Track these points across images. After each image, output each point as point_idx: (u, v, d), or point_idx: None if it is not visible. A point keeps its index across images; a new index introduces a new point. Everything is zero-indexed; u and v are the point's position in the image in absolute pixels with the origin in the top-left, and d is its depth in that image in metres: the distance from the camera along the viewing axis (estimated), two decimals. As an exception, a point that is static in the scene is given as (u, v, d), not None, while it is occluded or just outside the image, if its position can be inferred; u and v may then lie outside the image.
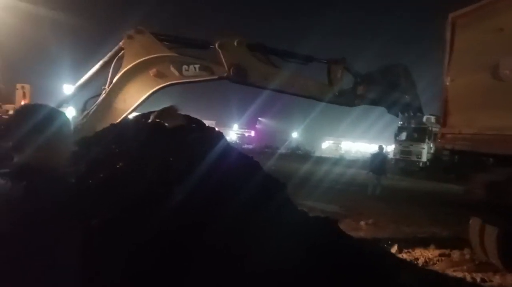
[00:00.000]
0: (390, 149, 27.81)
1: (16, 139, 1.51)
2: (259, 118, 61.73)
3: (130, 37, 5.11)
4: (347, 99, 6.01)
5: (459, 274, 5.62)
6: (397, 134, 26.36)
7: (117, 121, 5.21)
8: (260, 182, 4.60)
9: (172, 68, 5.21)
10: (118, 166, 3.66)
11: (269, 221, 3.85)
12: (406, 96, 6.18)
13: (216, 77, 5.38)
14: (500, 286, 5.28)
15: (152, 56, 5.17)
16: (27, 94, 7.11)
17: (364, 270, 4.48)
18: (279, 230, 3.88)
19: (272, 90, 5.79)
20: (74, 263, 1.51)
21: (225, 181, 3.87)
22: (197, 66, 5.22)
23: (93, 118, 5.00)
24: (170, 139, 4.15)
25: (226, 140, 5.23)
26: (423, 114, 6.75)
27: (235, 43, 5.39)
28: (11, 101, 7.01)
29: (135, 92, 5.19)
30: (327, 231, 4.75)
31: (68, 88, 5.76)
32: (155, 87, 5.27)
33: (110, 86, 5.15)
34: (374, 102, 6.21)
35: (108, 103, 5.15)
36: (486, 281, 5.39)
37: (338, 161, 34.64)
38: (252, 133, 60.88)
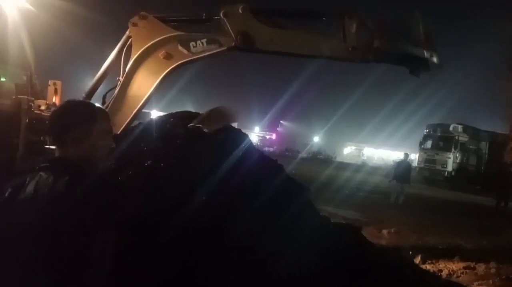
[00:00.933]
0: (413, 156, 27.34)
1: (58, 134, 1.55)
2: (281, 121, 61.75)
3: (134, 24, 5.16)
4: (363, 54, 5.51)
5: (485, 288, 5.49)
6: (422, 143, 25.90)
7: (136, 109, 5.31)
8: (284, 184, 4.60)
9: (180, 47, 5.20)
10: (146, 164, 3.72)
11: (291, 224, 3.84)
12: (424, 51, 5.56)
13: (225, 48, 5.32)
14: (528, 303, 5.12)
15: (158, 38, 5.21)
16: (59, 91, 7.31)
17: (386, 279, 4.42)
18: (300, 234, 3.87)
19: (281, 54, 5.55)
20: (107, 260, 1.53)
21: (249, 183, 3.89)
22: (204, 40, 5.19)
23: (112, 109, 5.09)
24: (197, 139, 4.20)
25: (250, 141, 5.25)
26: (440, 70, 5.90)
27: (240, 10, 5.33)
28: (43, 97, 7.23)
29: (148, 78, 5.25)
30: (349, 238, 4.70)
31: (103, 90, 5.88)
32: (167, 69, 5.30)
33: (125, 75, 5.22)
34: (393, 58, 5.78)
35: (124, 93, 5.23)
36: (513, 297, 5.24)
37: (360, 167, 34.23)
38: (274, 136, 60.87)
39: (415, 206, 13.01)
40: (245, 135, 5.18)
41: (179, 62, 5.33)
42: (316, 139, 62.85)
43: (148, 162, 3.71)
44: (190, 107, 7.29)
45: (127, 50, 5.31)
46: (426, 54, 5.61)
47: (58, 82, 7.49)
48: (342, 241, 4.50)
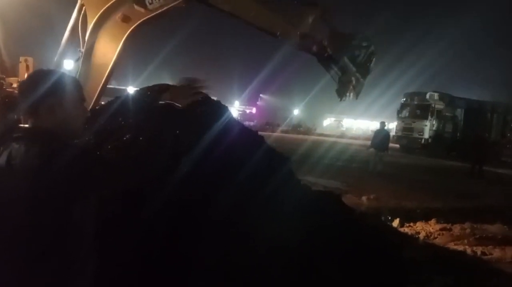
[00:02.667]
0: (392, 126, 27.76)
1: (30, 103, 1.51)
2: (261, 95, 61.48)
3: None
4: (308, 45, 5.63)
5: (460, 248, 5.73)
6: (399, 111, 26.28)
7: (104, 78, 5.19)
8: (265, 155, 4.63)
9: (136, 7, 5.07)
10: (125, 138, 3.67)
11: (274, 194, 3.89)
12: (353, 77, 5.80)
13: (178, 2, 5.20)
14: (500, 259, 5.38)
15: (112, 1, 5.08)
16: (31, 67, 7.03)
17: (366, 243, 4.56)
18: (283, 203, 3.94)
19: (234, 17, 5.44)
20: (87, 231, 1.52)
21: (231, 154, 3.90)
22: None
23: (83, 81, 4.99)
24: (177, 112, 4.15)
25: (231, 114, 5.23)
26: (356, 99, 6.22)
27: None
28: (14, 74, 6.96)
29: (110, 44, 5.12)
30: (330, 205, 4.81)
31: (68, 63, 5.73)
32: (127, 31, 5.19)
33: (85, 44, 5.09)
34: (328, 62, 5.86)
35: (88, 63, 5.11)
36: (486, 254, 5.49)
37: (339, 138, 34.66)
38: (254, 110, 60.71)
39: (393, 173, 13.34)
40: (225, 108, 5.15)
41: (138, 22, 5.20)
42: (296, 112, 62.97)
43: (127, 136, 3.66)
44: (168, 81, 7.17)
45: (83, 18, 5.14)
46: (353, 80, 5.75)
47: (30, 59, 7.20)
48: (323, 209, 4.60)
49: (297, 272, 3.35)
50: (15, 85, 6.42)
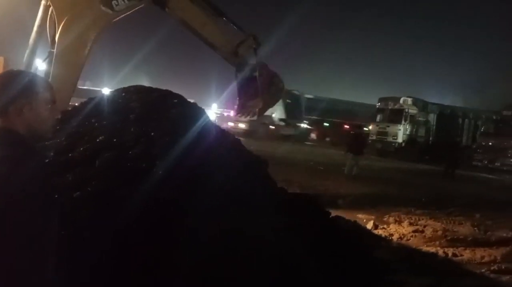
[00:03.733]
0: (367, 130, 28.19)
1: (2, 101, 1.47)
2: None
3: None
4: (238, 63, 6.17)
5: (432, 249, 5.85)
6: (374, 115, 26.75)
7: (76, 78, 5.26)
8: (242, 158, 4.63)
9: (103, 8, 5.25)
10: (98, 140, 3.60)
11: (250, 197, 3.89)
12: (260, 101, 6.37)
13: (142, 4, 5.50)
14: (470, 260, 5.53)
15: (80, 4, 5.21)
16: (1, 67, 6.86)
17: (341, 244, 4.61)
18: (260, 205, 3.93)
19: (184, 25, 5.86)
20: (55, 237, 1.48)
21: (207, 156, 3.88)
22: None
23: (54, 81, 4.95)
24: (153, 114, 4.11)
25: (207, 116, 5.20)
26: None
27: None
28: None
29: (80, 44, 5.21)
30: (306, 207, 4.84)
31: (38, 63, 5.66)
32: (96, 32, 5.33)
33: (56, 45, 5.11)
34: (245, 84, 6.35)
35: (60, 63, 5.14)
36: (457, 256, 5.63)
37: (316, 141, 34.94)
38: (232, 113, 60.48)
39: (368, 176, 13.53)
40: (201, 110, 5.12)
41: (106, 23, 5.40)
42: (275, 115, 63.10)
43: (101, 137, 3.59)
44: (144, 82, 7.12)
45: (51, 18, 5.19)
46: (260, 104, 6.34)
47: (1, 58, 7.02)
48: (299, 210, 4.63)
49: (272, 273, 3.34)
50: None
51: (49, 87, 1.62)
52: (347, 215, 6.73)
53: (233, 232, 3.41)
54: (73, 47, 5.13)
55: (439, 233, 6.65)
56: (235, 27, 6.19)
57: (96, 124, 3.79)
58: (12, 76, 1.55)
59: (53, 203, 1.48)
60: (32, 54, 5.33)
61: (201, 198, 3.39)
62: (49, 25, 5.20)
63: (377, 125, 26.33)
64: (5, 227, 1.31)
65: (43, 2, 5.20)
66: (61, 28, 5.02)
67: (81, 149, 3.36)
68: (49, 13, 5.15)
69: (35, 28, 5.28)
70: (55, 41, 5.09)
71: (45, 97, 1.55)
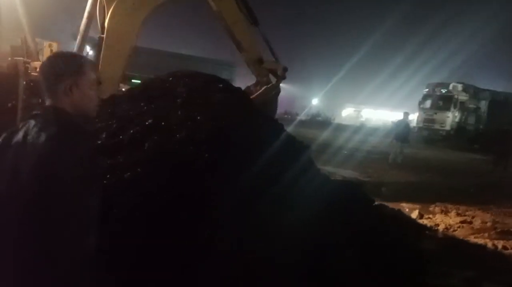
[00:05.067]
0: (413, 117, 27.31)
1: (49, 83, 1.57)
2: (280, 84, 61.01)
3: None
4: (258, 75, 6.31)
5: (480, 241, 5.63)
6: (421, 102, 25.80)
7: (126, 59, 5.40)
8: (285, 143, 4.63)
9: None
10: (147, 123, 3.71)
11: (294, 182, 3.89)
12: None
13: None
14: (522, 254, 5.27)
15: None
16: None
17: (385, 233, 4.54)
18: (303, 191, 3.93)
19: (217, 14, 6.00)
20: (96, 215, 1.51)
21: (251, 141, 3.91)
22: None
23: (104, 66, 5.13)
24: (198, 98, 4.17)
25: (251, 101, 5.23)
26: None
27: None
28: (39, 59, 7.09)
29: (128, 28, 5.32)
30: (350, 194, 4.78)
31: (90, 49, 5.89)
32: (144, 13, 5.42)
33: (106, 30, 5.24)
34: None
35: (111, 46, 5.27)
36: (508, 249, 5.38)
37: (358, 128, 34.30)
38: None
39: (413, 165, 13.15)
40: (245, 95, 5.15)
41: (154, 5, 5.49)
42: (315, 101, 62.46)
43: (149, 121, 3.70)
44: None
45: (100, 4, 5.32)
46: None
47: (54, 44, 7.35)
48: (343, 197, 4.58)
49: (316, 259, 3.35)
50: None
51: (94, 68, 1.71)
52: (391, 204, 6.59)
53: (277, 217, 3.43)
54: (122, 31, 5.26)
55: (488, 224, 6.38)
56: (267, 45, 6.30)
57: (145, 108, 3.90)
58: (61, 57, 1.64)
59: (98, 183, 1.56)
60: (83, 41, 5.54)
61: (243, 182, 3.43)
62: (98, 11, 5.36)
63: (424, 112, 25.41)
64: (49, 202, 1.37)
65: None
66: (111, 12, 5.16)
67: (131, 131, 3.48)
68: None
69: (85, 15, 5.47)
70: (104, 27, 5.26)
71: (91, 78, 1.64)
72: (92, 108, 1.67)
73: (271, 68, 6.21)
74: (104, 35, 5.26)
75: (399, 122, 13.75)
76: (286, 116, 42.55)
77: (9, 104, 5.51)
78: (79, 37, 5.54)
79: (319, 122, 43.44)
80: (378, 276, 3.81)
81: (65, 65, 1.58)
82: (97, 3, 5.38)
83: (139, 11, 5.37)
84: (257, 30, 6.21)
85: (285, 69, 6.22)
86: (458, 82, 24.97)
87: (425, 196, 8.31)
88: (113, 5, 5.21)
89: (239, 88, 5.23)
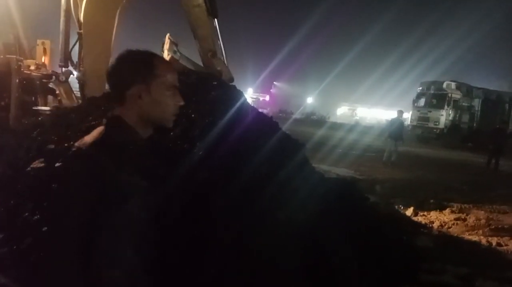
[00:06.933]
0: (407, 115, 27.43)
1: (117, 90, 1.40)
2: (274, 83, 61.19)
3: None
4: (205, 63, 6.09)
5: (475, 238, 5.66)
6: (415, 101, 25.91)
7: (108, 54, 5.30)
8: (280, 141, 4.62)
9: None
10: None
11: (289, 179, 3.89)
12: None
13: None
14: (516, 251, 5.30)
15: None
16: (47, 50, 7.12)
17: (380, 230, 4.55)
18: (298, 188, 3.93)
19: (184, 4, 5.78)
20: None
21: (245, 138, 3.90)
22: None
23: (89, 62, 5.05)
24: (193, 96, 4.15)
25: (246, 99, 5.22)
26: None
27: None
28: (31, 57, 7.05)
29: (106, 14, 5.20)
30: (344, 192, 4.79)
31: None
32: (119, 2, 5.31)
33: (82, 24, 5.15)
34: None
35: (92, 41, 5.19)
36: (502, 245, 5.41)
37: (353, 127, 34.43)
38: (267, 97, 60.52)
39: (407, 163, 13.21)
40: (240, 93, 5.14)
41: None
42: (309, 100, 62.63)
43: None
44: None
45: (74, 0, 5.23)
46: None
47: (47, 42, 7.29)
48: (337, 195, 4.58)
49: (310, 257, 3.35)
50: (32, 67, 6.51)
51: (170, 69, 1.46)
52: (385, 201, 6.62)
53: (271, 214, 3.43)
54: (99, 23, 5.15)
55: (482, 221, 6.42)
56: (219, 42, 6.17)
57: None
58: (128, 58, 1.42)
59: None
60: (67, 38, 5.46)
61: (238, 179, 3.42)
62: (73, 6, 5.26)
63: (418, 111, 25.52)
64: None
65: None
66: (84, 4, 5.05)
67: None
68: None
69: (61, 12, 5.37)
70: (81, 22, 5.16)
71: (164, 80, 1.41)
72: (167, 117, 1.45)
73: (219, 69, 5.93)
74: (82, 31, 5.16)
75: (393, 121, 13.79)
76: (280, 115, 42.60)
77: (2, 102, 5.47)
78: (61, 36, 5.46)
79: (314, 121, 43.53)
80: (373, 273, 3.82)
81: (133, 68, 1.38)
82: None
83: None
84: (214, 22, 5.99)
85: (230, 80, 5.98)
86: (451, 81, 25.11)
87: (420, 193, 8.35)
88: None
89: (234, 86, 5.22)
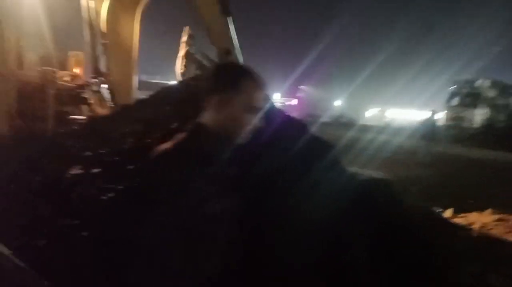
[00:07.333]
0: (440, 115, 26.71)
1: (207, 96, 1.45)
2: (301, 87, 60.96)
3: None
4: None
5: (518, 240, 5.42)
6: (448, 100, 25.25)
7: (135, 60, 5.33)
8: (309, 142, 4.58)
9: None
10: (172, 126, 3.74)
11: (320, 181, 3.84)
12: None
13: None
14: (563, 253, 5.03)
15: None
16: (80, 62, 7.36)
17: (416, 234, 4.42)
18: (329, 190, 3.87)
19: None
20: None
21: (275, 141, 3.88)
22: None
23: (116, 71, 5.15)
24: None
25: (273, 102, 5.20)
26: None
27: None
28: (63, 68, 7.29)
29: (128, 24, 5.27)
30: (379, 193, 4.68)
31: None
32: (141, 6, 5.36)
33: (107, 35, 5.23)
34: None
35: (117, 50, 5.28)
36: (547, 247, 5.16)
37: (383, 128, 33.78)
38: (295, 102, 60.33)
39: (443, 164, 12.82)
40: (267, 96, 5.13)
41: None
42: (338, 103, 62.05)
43: (175, 125, 3.73)
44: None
45: (94, 12, 5.33)
46: None
47: (80, 53, 7.53)
48: (371, 197, 4.49)
49: (343, 259, 3.29)
50: (66, 78, 6.74)
51: (257, 88, 1.49)
52: (422, 203, 6.43)
53: (303, 217, 3.39)
54: (122, 31, 5.25)
55: (525, 222, 6.13)
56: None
57: (170, 111, 3.94)
58: (222, 68, 1.54)
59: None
60: (94, 49, 5.61)
61: (268, 181, 3.40)
62: (95, 19, 5.39)
63: (451, 110, 24.83)
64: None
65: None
66: (107, 16, 5.14)
67: (158, 135, 3.51)
68: (90, 6, 5.33)
69: (84, 25, 5.54)
70: (104, 32, 5.26)
71: (250, 98, 1.45)
72: (238, 133, 1.49)
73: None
74: (106, 40, 5.27)
75: (426, 121, 13.46)
76: (309, 118, 42.36)
77: (39, 113, 5.68)
78: (88, 47, 5.60)
79: (342, 123, 42.98)
80: (410, 276, 3.71)
81: (224, 80, 1.43)
82: (88, 11, 5.38)
83: (132, 5, 5.32)
84: (229, 21, 6.03)
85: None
86: (486, 79, 24.29)
87: (457, 194, 8.07)
88: (108, 4, 5.19)
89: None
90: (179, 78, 5.88)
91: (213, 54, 5.96)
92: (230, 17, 6.04)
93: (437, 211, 6.66)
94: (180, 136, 1.44)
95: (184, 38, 5.70)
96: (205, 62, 5.87)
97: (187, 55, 5.63)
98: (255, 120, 1.51)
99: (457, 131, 24.25)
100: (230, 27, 6.04)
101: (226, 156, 1.52)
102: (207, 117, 1.44)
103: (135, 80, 5.64)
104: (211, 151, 1.44)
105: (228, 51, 5.94)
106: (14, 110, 5.36)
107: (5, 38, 5.49)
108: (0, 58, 5.52)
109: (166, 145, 1.43)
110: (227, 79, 1.43)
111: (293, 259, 3.09)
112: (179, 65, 5.88)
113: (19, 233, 2.60)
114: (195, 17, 5.98)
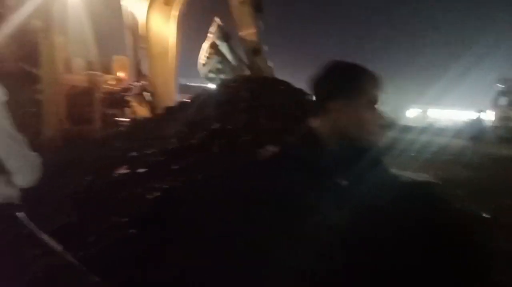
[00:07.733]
0: (486, 115, 25.51)
1: (321, 100, 1.37)
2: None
3: None
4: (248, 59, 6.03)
5: None
6: (496, 99, 24.06)
7: (175, 65, 5.37)
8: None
9: None
10: (213, 127, 3.79)
11: (362, 181, 3.75)
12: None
13: None
14: None
15: None
16: (125, 66, 7.59)
17: (464, 236, 4.23)
18: (372, 191, 3.78)
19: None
20: None
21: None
22: None
23: (157, 74, 5.23)
24: (261, 101, 4.19)
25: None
26: None
27: None
28: (109, 72, 7.54)
29: (168, 27, 5.30)
30: (424, 196, 4.53)
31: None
32: (177, 12, 5.39)
33: (147, 39, 5.30)
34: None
35: (157, 53, 5.35)
36: None
37: (425, 129, 32.68)
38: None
39: (490, 165, 12.24)
40: (307, 95, 5.09)
41: (181, 1, 5.45)
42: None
43: (216, 125, 3.78)
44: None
45: (133, 17, 5.43)
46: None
47: (124, 58, 7.77)
48: (418, 199, 4.34)
49: (388, 260, 3.19)
50: (111, 82, 6.98)
51: (377, 85, 1.40)
52: (469, 205, 6.16)
53: (345, 214, 3.32)
54: (162, 34, 5.33)
55: None
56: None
57: (212, 113, 3.99)
58: (337, 69, 1.39)
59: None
60: (136, 54, 5.76)
61: (310, 184, 3.36)
62: (133, 24, 5.51)
63: (499, 110, 23.66)
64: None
65: (122, 5, 5.51)
66: (146, 20, 5.25)
67: (199, 136, 3.57)
68: (128, 11, 5.45)
69: (125, 30, 5.68)
70: (143, 37, 5.37)
71: (370, 97, 1.36)
72: (364, 134, 1.39)
73: (260, 67, 5.69)
74: (145, 46, 5.39)
75: (473, 121, 12.91)
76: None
77: (86, 116, 5.90)
78: (130, 51, 5.74)
79: (381, 124, 41.86)
80: (457, 278, 3.56)
81: (340, 81, 1.33)
82: (129, 16, 5.51)
83: (167, 9, 5.39)
84: (260, 20, 5.93)
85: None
86: (537, 75, 23.00)
87: (506, 197, 7.67)
88: (147, 6, 5.30)
89: (300, 90, 5.20)
90: (201, 68, 5.84)
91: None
92: (260, 14, 5.98)
93: (486, 215, 6.35)
94: (288, 140, 1.40)
95: (212, 28, 5.65)
96: (227, 56, 5.77)
97: (212, 46, 5.53)
98: (377, 118, 1.39)
99: (505, 132, 23.09)
100: (259, 24, 6.00)
101: (341, 165, 1.43)
102: (324, 121, 1.33)
103: (175, 83, 5.74)
104: (323, 157, 1.36)
105: (256, 50, 5.82)
106: (63, 114, 5.61)
107: (53, 44, 5.78)
108: (49, 64, 5.82)
109: (273, 149, 1.41)
110: (349, 79, 1.33)
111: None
112: (202, 56, 5.86)
113: (70, 231, 2.71)
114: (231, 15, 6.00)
